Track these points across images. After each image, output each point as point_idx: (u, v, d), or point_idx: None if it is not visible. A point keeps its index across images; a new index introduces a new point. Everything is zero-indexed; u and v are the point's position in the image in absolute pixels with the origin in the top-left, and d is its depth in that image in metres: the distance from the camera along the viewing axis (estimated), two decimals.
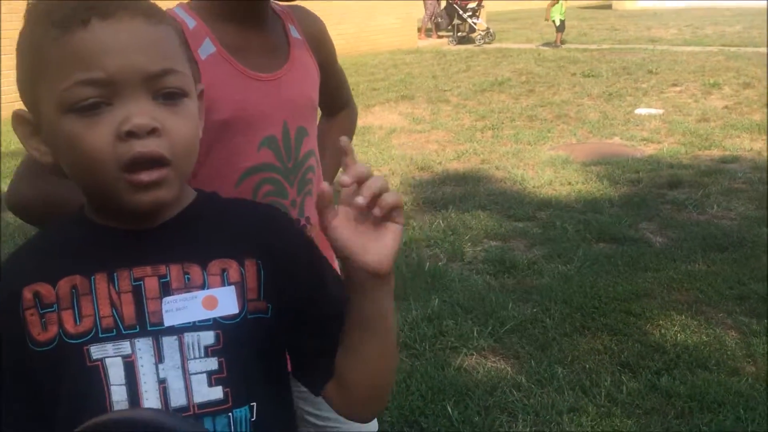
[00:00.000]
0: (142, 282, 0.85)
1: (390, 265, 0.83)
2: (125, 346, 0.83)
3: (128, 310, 0.84)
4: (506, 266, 3.75)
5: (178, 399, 0.83)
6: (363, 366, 0.90)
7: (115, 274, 0.85)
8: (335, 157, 1.52)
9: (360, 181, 0.80)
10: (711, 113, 7.34)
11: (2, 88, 8.49)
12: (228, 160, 1.18)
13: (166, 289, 0.84)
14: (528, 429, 2.42)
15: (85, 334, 0.83)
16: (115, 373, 0.83)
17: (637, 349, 2.91)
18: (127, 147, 0.76)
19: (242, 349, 0.86)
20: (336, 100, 1.55)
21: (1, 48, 7.78)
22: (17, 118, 0.84)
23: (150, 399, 0.83)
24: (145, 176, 0.78)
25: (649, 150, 6.23)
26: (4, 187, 5.58)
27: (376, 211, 0.79)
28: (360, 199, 0.78)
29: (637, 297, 3.37)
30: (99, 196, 0.84)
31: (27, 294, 0.85)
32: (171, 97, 0.80)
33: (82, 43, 0.76)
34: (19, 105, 0.86)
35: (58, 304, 0.84)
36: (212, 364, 0.84)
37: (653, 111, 7.53)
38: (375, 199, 0.79)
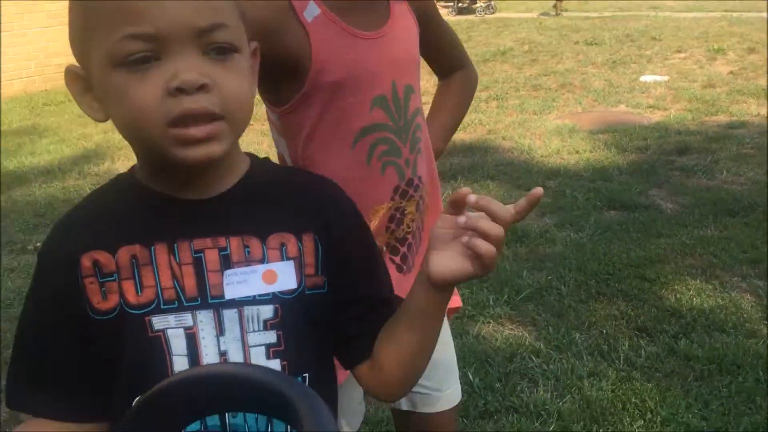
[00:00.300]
0: (202, 254, 0.85)
1: (448, 282, 0.84)
2: (187, 318, 0.84)
3: (189, 282, 0.84)
4: (518, 235, 3.75)
5: None
6: (402, 356, 0.91)
7: (175, 245, 0.85)
8: (453, 119, 1.52)
9: (484, 211, 0.79)
10: (716, 79, 7.29)
11: (2, 66, 8.49)
12: (342, 121, 1.17)
13: (226, 262, 0.85)
14: (549, 394, 2.43)
15: (147, 305, 0.84)
16: (177, 344, 0.83)
17: (654, 313, 2.92)
18: (176, 103, 0.75)
19: (299, 323, 0.87)
20: (449, 60, 1.50)
21: (1, 26, 7.75)
22: (69, 74, 0.84)
23: None
24: (195, 130, 0.77)
25: (656, 117, 6.20)
26: (6, 164, 5.60)
27: (465, 239, 0.79)
28: (462, 219, 0.80)
29: (650, 263, 3.38)
30: (148, 152, 0.83)
31: (86, 262, 0.85)
32: (221, 52, 0.78)
33: None
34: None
35: (119, 273, 0.84)
36: (271, 337, 0.85)
37: (658, 78, 7.48)
38: (477, 232, 0.79)
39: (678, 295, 3.06)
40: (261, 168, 0.92)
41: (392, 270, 1.22)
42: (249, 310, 0.84)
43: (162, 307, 0.84)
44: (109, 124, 0.84)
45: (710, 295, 3.05)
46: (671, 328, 2.79)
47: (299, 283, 0.87)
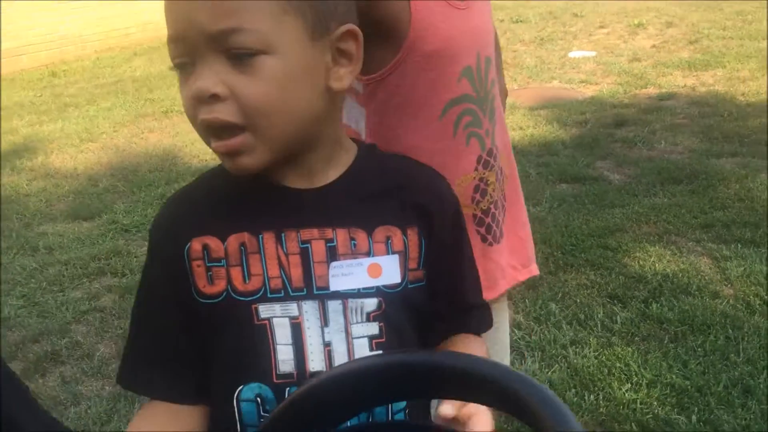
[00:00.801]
0: (309, 245, 0.84)
1: None
2: (293, 308, 0.83)
3: (296, 272, 0.84)
4: None
5: (341, 362, 0.84)
6: None
7: (282, 234, 0.84)
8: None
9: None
10: (641, 53, 7.56)
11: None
12: (432, 91, 1.15)
13: (332, 254, 0.84)
14: (537, 365, 2.49)
15: (254, 293, 0.83)
16: (282, 333, 0.83)
17: (621, 280, 3.03)
18: (198, 113, 0.75)
19: (400, 315, 0.87)
20: None
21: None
22: None
23: (315, 360, 0.83)
24: (216, 145, 0.77)
25: (589, 91, 6.38)
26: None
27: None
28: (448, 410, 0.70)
29: (610, 232, 3.49)
30: None
31: (196, 245, 0.85)
32: (240, 57, 0.74)
33: None
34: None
35: (227, 260, 0.84)
36: (374, 328, 0.85)
37: (586, 53, 7.69)
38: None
39: (641, 262, 3.18)
40: (368, 156, 0.91)
41: (477, 241, 1.22)
42: (353, 303, 0.84)
43: (268, 295, 0.83)
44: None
45: (670, 260, 3.19)
46: (640, 294, 2.91)
47: (403, 278, 0.86)
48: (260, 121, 0.76)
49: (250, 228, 0.84)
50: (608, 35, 8.68)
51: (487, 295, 1.17)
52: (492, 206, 1.27)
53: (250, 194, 0.86)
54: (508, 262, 1.35)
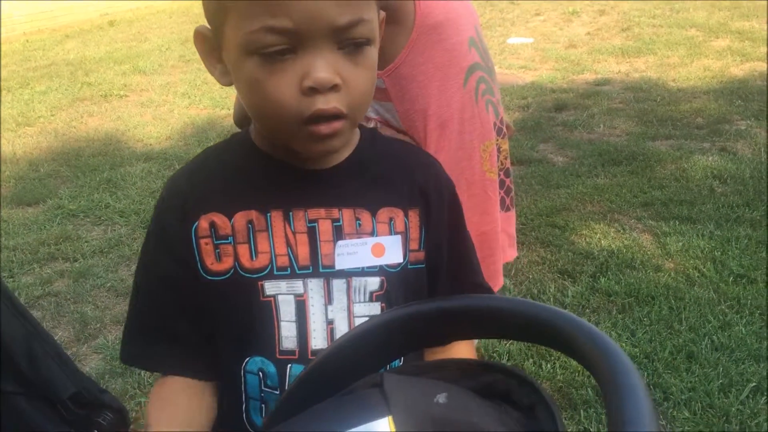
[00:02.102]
0: (316, 224, 0.86)
1: None
2: (298, 286, 0.85)
3: (303, 251, 0.85)
4: None
5: None
6: None
7: (290, 213, 0.86)
8: None
9: None
10: (576, 40, 7.78)
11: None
12: (450, 61, 1.19)
13: (338, 233, 0.86)
14: (495, 341, 2.60)
15: (261, 270, 0.85)
16: (287, 310, 0.85)
17: (570, 257, 3.17)
18: (310, 102, 0.75)
19: (401, 296, 0.88)
20: None
21: None
22: (198, 35, 0.82)
23: (317, 338, 0.85)
24: (324, 128, 0.77)
25: (529, 77, 6.55)
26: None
27: None
28: None
29: (557, 211, 3.64)
30: (275, 134, 0.83)
31: (203, 223, 0.86)
32: (357, 46, 0.76)
33: None
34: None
35: (234, 237, 0.85)
36: (375, 308, 0.87)
37: (525, 40, 7.87)
38: None
39: (588, 239, 3.32)
40: (371, 140, 0.93)
41: (495, 206, 1.29)
42: (357, 281, 0.86)
43: (275, 273, 0.85)
44: None
45: (615, 237, 3.35)
46: (588, 269, 3.05)
47: (404, 257, 0.88)
48: (357, 110, 0.79)
49: (258, 206, 0.85)
50: (544, 22, 8.89)
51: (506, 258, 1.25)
52: (502, 173, 1.34)
53: (259, 172, 0.87)
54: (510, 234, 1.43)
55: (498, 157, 1.33)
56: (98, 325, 2.87)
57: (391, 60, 1.19)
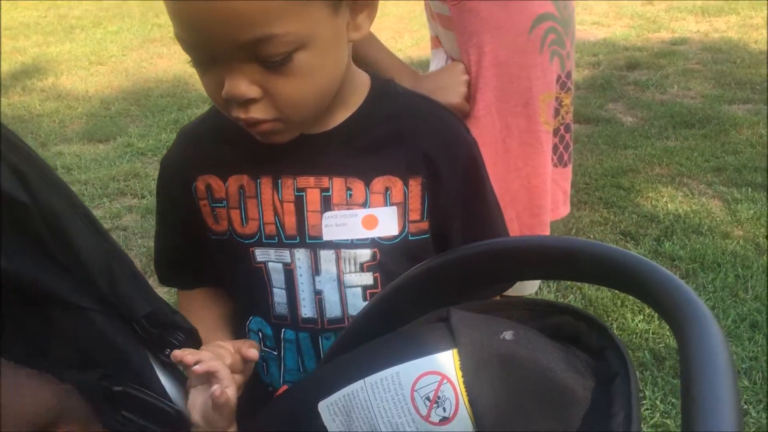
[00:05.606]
0: (304, 193, 0.83)
1: None
2: (285, 255, 0.84)
3: (289, 220, 0.83)
4: None
5: (333, 311, 0.85)
6: None
7: (279, 180, 0.83)
8: None
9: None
10: None
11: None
12: (518, 4, 1.18)
13: (326, 204, 0.82)
14: (553, 295, 2.58)
15: (251, 237, 0.85)
16: (277, 278, 0.85)
17: (634, 219, 3.10)
18: (231, 107, 0.73)
19: (397, 267, 0.83)
20: None
21: None
22: None
23: (306, 307, 0.86)
24: (254, 130, 0.76)
25: (602, 33, 6.34)
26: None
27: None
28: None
29: (623, 172, 3.55)
30: None
31: (200, 185, 0.87)
32: (273, 63, 0.69)
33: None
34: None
35: (228, 201, 0.85)
36: (367, 279, 0.84)
37: None
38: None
39: (653, 202, 3.24)
40: (379, 97, 0.85)
41: (547, 158, 1.27)
42: (346, 253, 0.83)
43: (263, 240, 0.85)
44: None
45: (682, 201, 3.25)
46: (653, 232, 2.98)
47: (401, 230, 0.83)
48: (294, 114, 0.75)
49: (249, 171, 0.84)
50: None
51: (554, 216, 1.24)
52: (562, 128, 1.31)
53: (252, 136, 0.81)
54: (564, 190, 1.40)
55: (560, 111, 1.30)
56: None
57: None
